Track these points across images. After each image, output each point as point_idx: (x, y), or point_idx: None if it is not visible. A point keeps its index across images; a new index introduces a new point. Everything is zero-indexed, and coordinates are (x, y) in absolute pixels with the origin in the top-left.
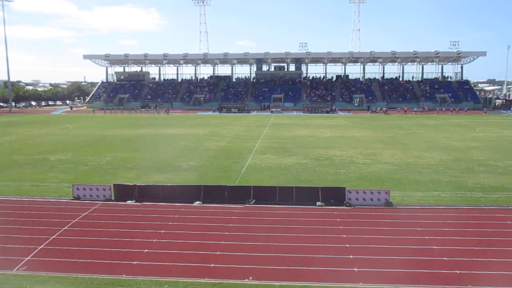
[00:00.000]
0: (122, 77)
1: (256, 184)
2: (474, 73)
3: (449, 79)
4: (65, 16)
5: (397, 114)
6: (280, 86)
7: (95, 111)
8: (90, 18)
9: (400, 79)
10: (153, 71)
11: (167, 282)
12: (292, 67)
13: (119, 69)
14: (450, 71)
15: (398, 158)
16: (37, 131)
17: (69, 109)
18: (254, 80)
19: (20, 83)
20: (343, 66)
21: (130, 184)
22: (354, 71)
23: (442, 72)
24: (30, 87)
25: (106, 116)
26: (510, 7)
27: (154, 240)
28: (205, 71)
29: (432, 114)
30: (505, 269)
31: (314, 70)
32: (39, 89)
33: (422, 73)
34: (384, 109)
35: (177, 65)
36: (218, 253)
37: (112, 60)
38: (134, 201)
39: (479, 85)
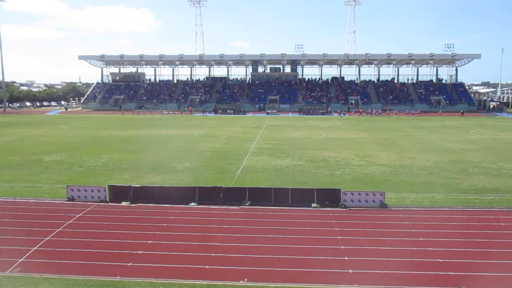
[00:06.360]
0: (118, 78)
1: (252, 186)
2: (469, 75)
3: (443, 82)
4: (57, 16)
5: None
6: (275, 88)
7: (124, 112)
8: (82, 18)
9: (395, 81)
10: (148, 72)
11: (162, 284)
12: (287, 69)
13: (115, 70)
14: (445, 73)
15: (393, 160)
16: (32, 131)
17: (64, 110)
18: (250, 82)
19: (15, 84)
20: (339, 68)
21: (125, 185)
22: (349, 73)
23: (437, 75)
24: (25, 88)
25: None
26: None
27: (149, 242)
28: (200, 72)
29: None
30: (499, 270)
31: (309, 72)
32: (33, 89)
33: (417, 75)
34: (376, 110)
35: (173, 66)
36: (213, 254)
37: (107, 60)
38: (129, 202)
39: (474, 87)
